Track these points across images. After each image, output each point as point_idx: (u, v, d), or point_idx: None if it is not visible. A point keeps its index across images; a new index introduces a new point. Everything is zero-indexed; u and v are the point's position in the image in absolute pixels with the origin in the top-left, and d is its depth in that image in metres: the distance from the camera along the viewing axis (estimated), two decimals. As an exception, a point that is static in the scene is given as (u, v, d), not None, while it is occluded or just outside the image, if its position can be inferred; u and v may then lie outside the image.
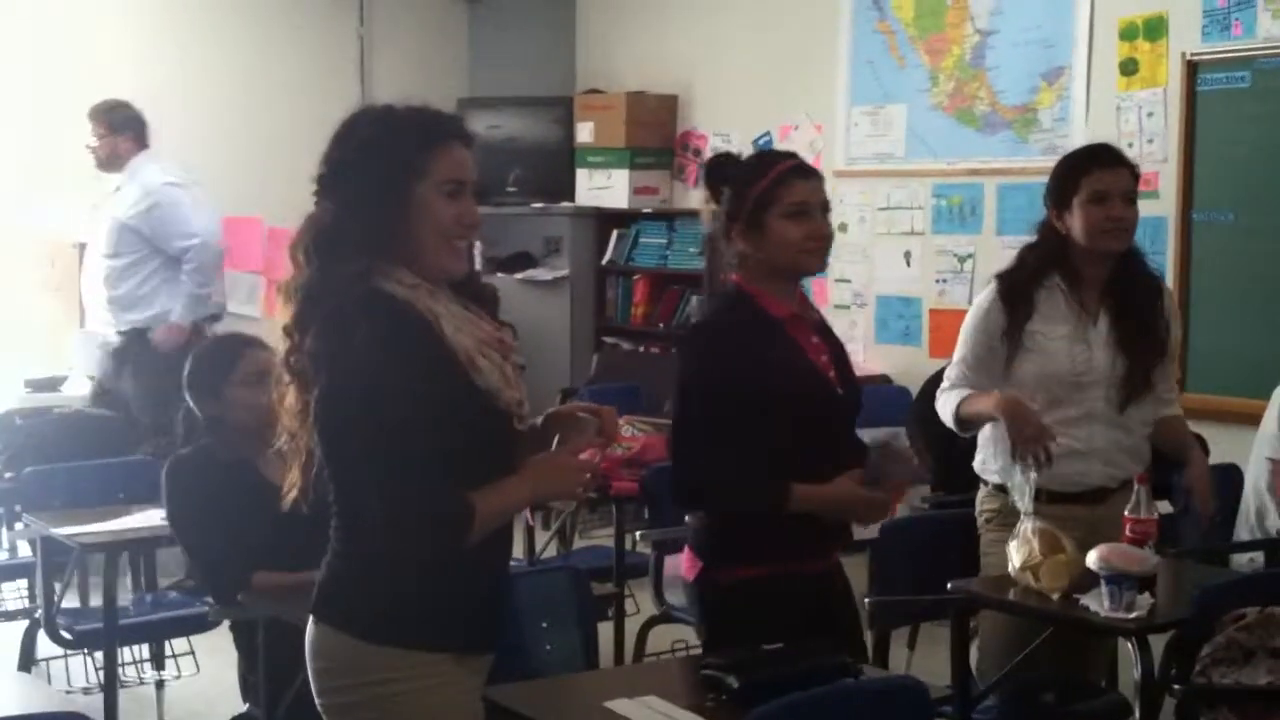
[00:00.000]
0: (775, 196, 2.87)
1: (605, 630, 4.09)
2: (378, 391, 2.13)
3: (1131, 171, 3.44)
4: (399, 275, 2.23)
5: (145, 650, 4.51)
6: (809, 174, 2.93)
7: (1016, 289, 3.42)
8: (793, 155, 2.99)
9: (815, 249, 2.89)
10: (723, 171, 2.99)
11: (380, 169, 2.23)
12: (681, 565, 3.08)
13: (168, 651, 4.53)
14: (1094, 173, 3.39)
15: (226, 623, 3.70)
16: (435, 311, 2.22)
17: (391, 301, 2.20)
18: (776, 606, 2.85)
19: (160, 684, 4.55)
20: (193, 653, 4.52)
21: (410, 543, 2.19)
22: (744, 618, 2.87)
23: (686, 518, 3.07)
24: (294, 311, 2.22)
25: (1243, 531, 4.18)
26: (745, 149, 7.33)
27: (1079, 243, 3.39)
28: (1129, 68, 5.88)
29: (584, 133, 7.92)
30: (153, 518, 4.03)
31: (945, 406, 3.50)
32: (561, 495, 2.39)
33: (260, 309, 7.53)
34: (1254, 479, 4.17)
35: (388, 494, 2.15)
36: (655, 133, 7.82)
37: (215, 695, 4.34)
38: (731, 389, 2.84)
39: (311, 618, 2.32)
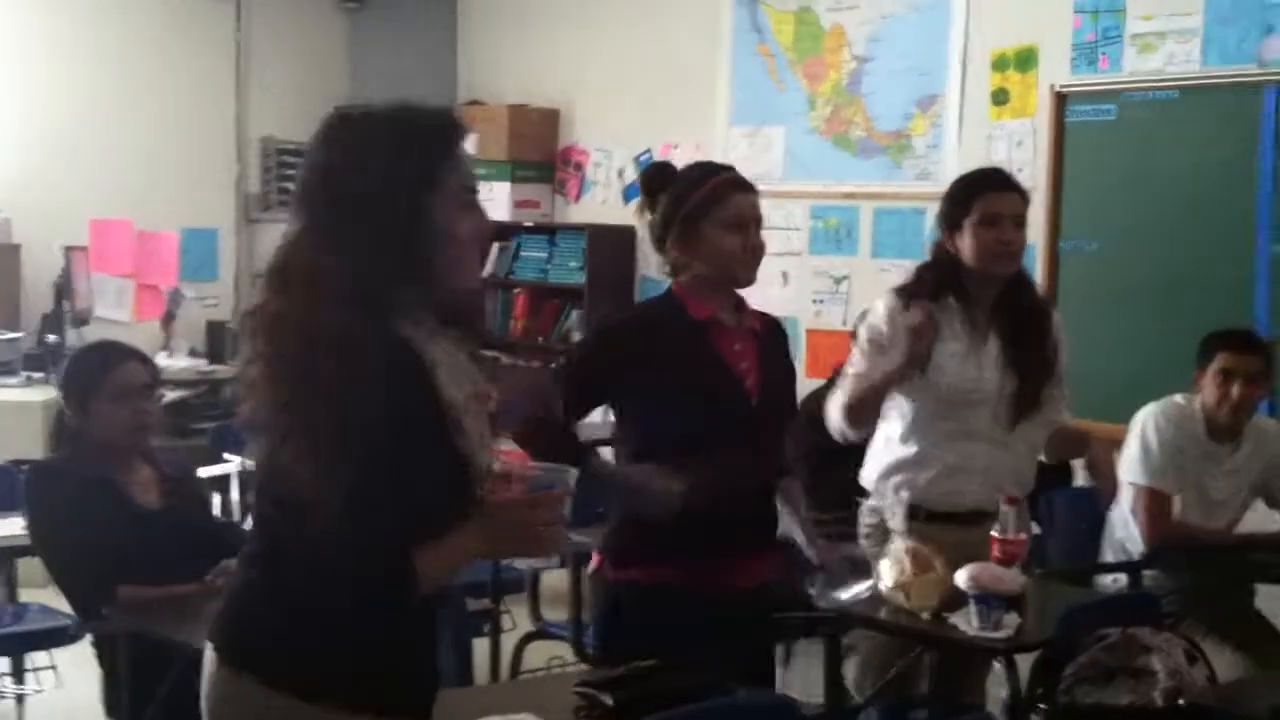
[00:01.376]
0: (711, 207, 2.92)
1: (481, 646, 4.08)
2: (362, 433, 1.91)
3: (1021, 196, 3.50)
4: (404, 308, 2.01)
5: (5, 664, 4.38)
6: (746, 187, 2.99)
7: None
8: (730, 168, 3.05)
9: (749, 261, 2.95)
10: (660, 180, 3.03)
11: (392, 187, 1.97)
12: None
13: (28, 665, 4.41)
14: (985, 196, 3.43)
15: (89, 636, 3.61)
16: (435, 359, 2.02)
17: (393, 340, 1.98)
18: (659, 613, 2.88)
19: (20, 698, 4.42)
20: (54, 666, 4.41)
21: (349, 594, 1.99)
22: (627, 618, 2.93)
23: None
24: (269, 339, 1.96)
25: (1107, 553, 4.29)
26: (627, 166, 7.47)
27: (970, 264, 3.43)
28: (1000, 97, 6.02)
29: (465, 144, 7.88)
30: (14, 527, 3.93)
31: (834, 407, 3.49)
32: (515, 553, 2.25)
33: (130, 313, 7.38)
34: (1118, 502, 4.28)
35: (335, 542, 1.95)
36: (537, 146, 7.82)
37: (77, 710, 4.23)
38: (618, 369, 2.91)
39: (223, 665, 2.07)
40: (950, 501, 3.44)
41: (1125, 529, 4.22)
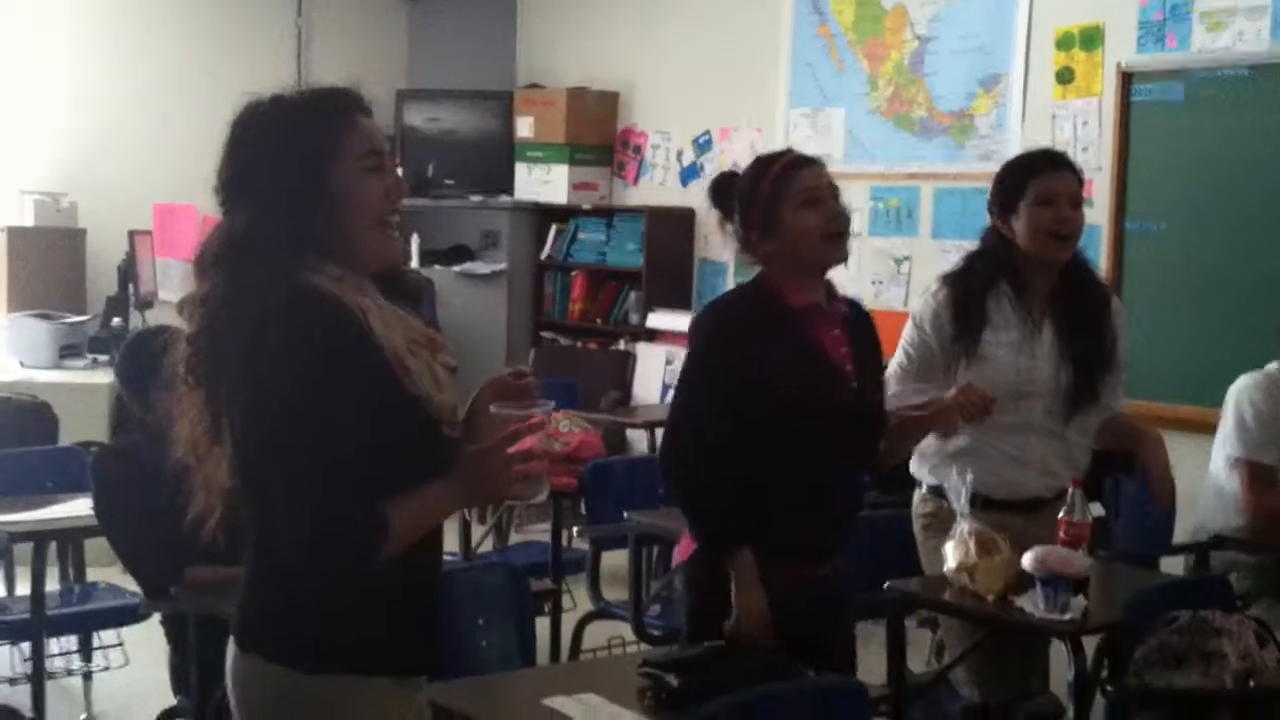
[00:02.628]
0: (783, 191, 2.88)
1: (541, 626, 4.09)
2: (298, 393, 1.93)
3: (1077, 176, 3.41)
4: (325, 268, 2.03)
5: (73, 641, 4.44)
6: (810, 162, 2.94)
7: (970, 296, 3.37)
8: (789, 150, 3.00)
9: (834, 234, 2.89)
10: (728, 188, 3.00)
11: (291, 161, 2.02)
12: (679, 549, 3.07)
13: (96, 643, 4.46)
14: (1041, 175, 3.35)
15: (156, 615, 3.65)
16: (364, 306, 2.02)
17: (316, 295, 2.00)
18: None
19: (88, 675, 4.48)
20: (121, 644, 4.46)
21: (320, 559, 1.97)
22: (726, 607, 2.87)
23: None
24: (201, 322, 2.03)
25: (1203, 534, 4.20)
26: (685, 148, 7.46)
27: (1025, 247, 3.35)
28: (1065, 77, 5.95)
29: (524, 128, 7.90)
30: (81, 507, 3.98)
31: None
32: (495, 496, 2.13)
33: (193, 297, 7.44)
34: (1214, 479, 4.20)
35: (295, 506, 1.96)
36: (595, 129, 7.82)
37: (144, 688, 4.28)
38: (735, 371, 2.85)
39: (235, 648, 2.11)
40: (1009, 491, 3.38)
41: (1222, 504, 4.15)
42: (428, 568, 2.17)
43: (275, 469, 1.96)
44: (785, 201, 2.87)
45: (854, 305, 3.06)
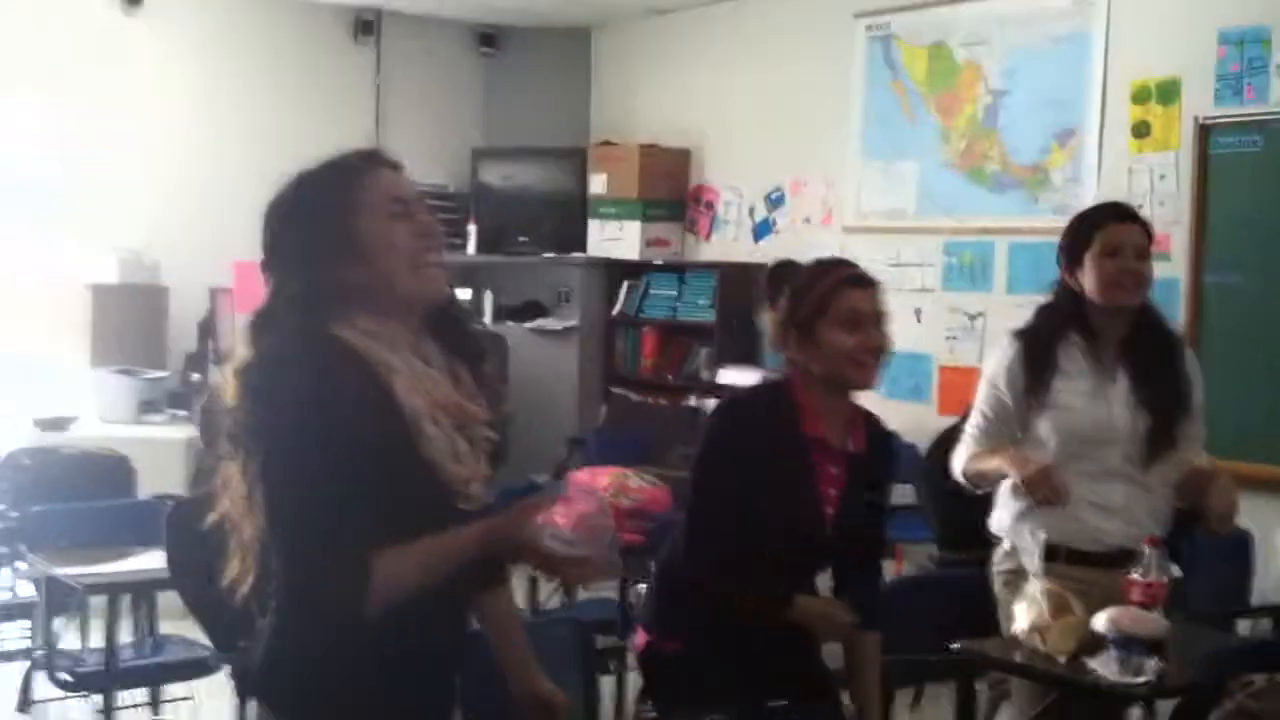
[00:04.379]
0: (828, 305, 2.81)
1: (607, 684, 4.07)
2: (304, 440, 1.94)
3: (1144, 227, 3.42)
4: (358, 321, 2.05)
5: (144, 694, 4.48)
6: (865, 283, 2.87)
7: (1039, 347, 3.38)
8: (851, 264, 2.95)
9: (866, 361, 2.81)
10: (782, 278, 2.98)
11: (311, 221, 2.07)
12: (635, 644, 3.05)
13: (166, 695, 4.50)
14: (1107, 226, 3.37)
15: (226, 668, 3.68)
16: (390, 365, 2.03)
17: (337, 345, 2.02)
18: (721, 669, 2.83)
19: (157, 728, 4.52)
20: (191, 698, 4.49)
21: (306, 607, 1.99)
22: (690, 686, 2.86)
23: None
24: (236, 392, 2.04)
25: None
26: (757, 204, 7.46)
27: (1093, 299, 3.36)
28: (1141, 130, 5.89)
29: (597, 184, 7.96)
30: (155, 560, 4.03)
31: (956, 462, 3.48)
32: (515, 542, 2.06)
33: (270, 353, 7.54)
34: None
35: (286, 551, 1.97)
36: (668, 185, 7.85)
37: (213, 741, 4.32)
38: (739, 474, 2.81)
39: (253, 699, 2.13)
40: (1093, 540, 3.34)
41: None
42: (442, 636, 2.14)
43: (278, 514, 1.98)
44: (826, 316, 2.81)
45: (877, 442, 2.96)
